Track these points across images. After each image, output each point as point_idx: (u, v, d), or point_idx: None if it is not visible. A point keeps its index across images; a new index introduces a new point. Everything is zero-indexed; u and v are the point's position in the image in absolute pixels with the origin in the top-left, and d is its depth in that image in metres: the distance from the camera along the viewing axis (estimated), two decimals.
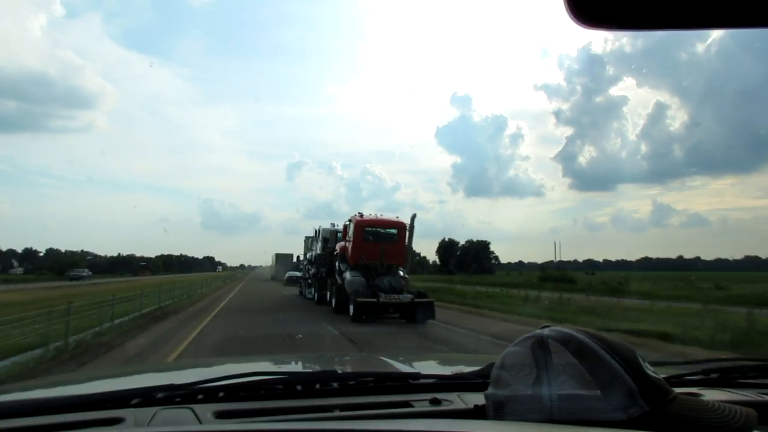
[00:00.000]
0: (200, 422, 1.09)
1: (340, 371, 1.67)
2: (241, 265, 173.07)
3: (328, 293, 20.54)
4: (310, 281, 25.81)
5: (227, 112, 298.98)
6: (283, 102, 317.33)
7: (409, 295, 16.01)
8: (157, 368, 3.02)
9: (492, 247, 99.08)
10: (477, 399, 1.17)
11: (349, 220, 18.79)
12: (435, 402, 1.25)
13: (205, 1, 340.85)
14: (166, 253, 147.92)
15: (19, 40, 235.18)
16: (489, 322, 16.49)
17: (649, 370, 0.94)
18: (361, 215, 18.46)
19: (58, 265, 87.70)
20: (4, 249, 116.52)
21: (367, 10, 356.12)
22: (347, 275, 17.54)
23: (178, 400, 1.21)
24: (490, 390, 1.02)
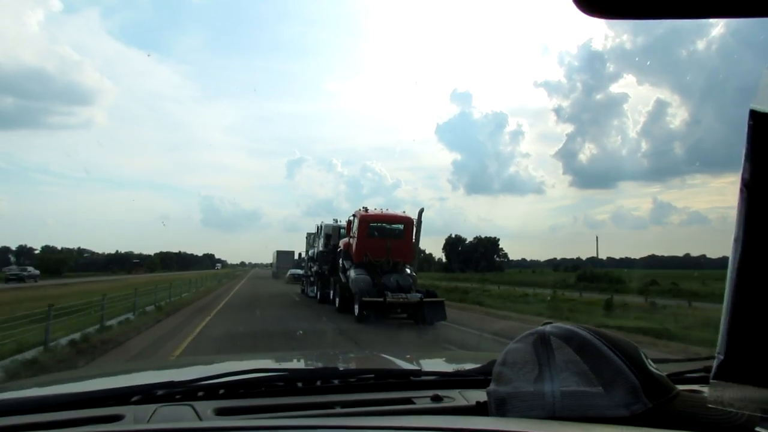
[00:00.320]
0: (200, 419, 1.09)
1: (341, 368, 1.61)
2: (242, 263, 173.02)
3: (331, 292, 19.68)
4: (312, 279, 25.04)
5: (227, 109, 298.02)
6: (284, 98, 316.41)
7: (418, 295, 15.06)
8: (158, 366, 2.97)
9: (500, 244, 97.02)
10: (479, 396, 1.15)
11: (353, 215, 17.81)
12: (436, 399, 1.24)
13: None
14: (165, 250, 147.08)
15: (16, 35, 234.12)
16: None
17: (652, 366, 0.94)
18: (366, 210, 17.50)
19: (49, 263, 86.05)
20: None
21: (368, 6, 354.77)
22: (351, 273, 16.61)
23: (178, 397, 1.20)
24: (492, 387, 1.02)
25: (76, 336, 10.75)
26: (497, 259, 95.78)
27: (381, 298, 14.65)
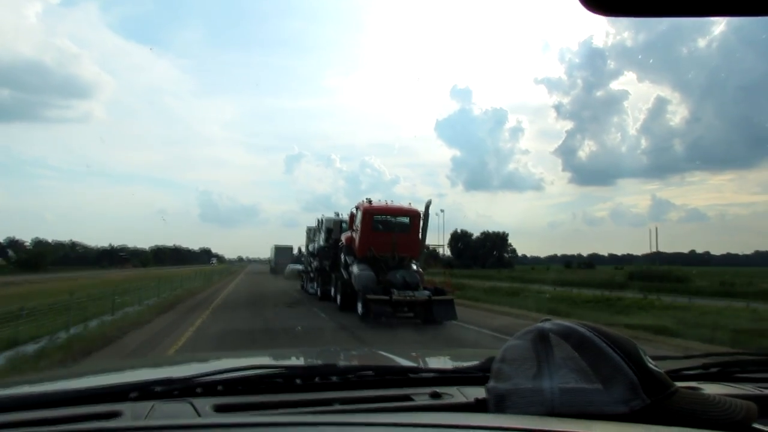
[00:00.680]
0: (199, 415, 1.08)
1: (339, 365, 1.53)
2: (239, 258, 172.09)
3: (333, 288, 18.69)
4: (312, 275, 24.10)
5: (226, 104, 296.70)
6: (283, 94, 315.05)
7: (426, 292, 14.08)
8: (156, 362, 2.98)
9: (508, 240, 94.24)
10: (478, 393, 1.15)
11: (356, 207, 16.76)
12: (435, 396, 1.22)
13: None
14: (162, 245, 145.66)
15: (14, 27, 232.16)
16: None
17: (651, 363, 0.94)
18: (370, 202, 16.46)
19: (30, 256, 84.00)
20: None
21: (368, 2, 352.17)
22: (354, 269, 15.63)
23: (176, 393, 1.20)
24: (491, 383, 1.02)
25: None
26: (506, 255, 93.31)
27: (386, 295, 13.67)
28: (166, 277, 29.23)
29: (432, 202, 16.05)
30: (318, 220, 23.53)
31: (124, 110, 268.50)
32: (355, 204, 16.99)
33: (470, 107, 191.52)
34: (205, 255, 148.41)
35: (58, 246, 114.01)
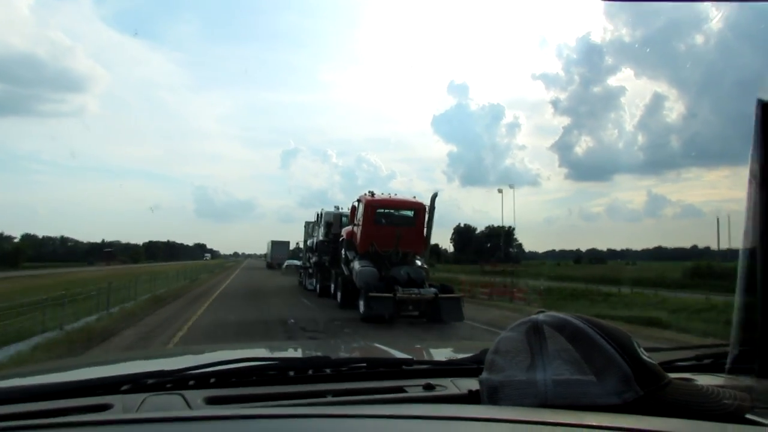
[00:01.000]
0: (190, 408, 1.07)
1: (332, 357, 1.49)
2: (235, 253, 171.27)
3: (333, 285, 17.93)
4: (311, 271, 23.31)
5: (221, 98, 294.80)
6: (279, 88, 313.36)
7: (433, 290, 13.29)
8: (149, 355, 2.92)
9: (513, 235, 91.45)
10: (471, 384, 1.16)
11: (358, 200, 15.94)
12: (428, 387, 1.23)
13: None
14: (155, 240, 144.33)
15: (6, 19, 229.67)
16: None
17: (644, 355, 0.94)
18: (372, 194, 15.66)
19: (15, 252, 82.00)
20: None
21: None
22: (356, 265, 14.86)
23: (168, 386, 1.19)
24: (484, 375, 1.02)
25: None
26: (512, 250, 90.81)
27: (390, 293, 12.88)
28: (148, 274, 25.69)
29: (438, 194, 15.23)
30: (317, 214, 22.77)
31: (118, 104, 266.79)
32: (357, 197, 16.18)
33: (467, 102, 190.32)
34: (200, 250, 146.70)
35: (47, 241, 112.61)
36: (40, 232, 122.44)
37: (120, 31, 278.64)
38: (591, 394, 0.88)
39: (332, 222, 19.67)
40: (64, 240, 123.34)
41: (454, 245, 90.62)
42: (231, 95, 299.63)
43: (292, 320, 12.04)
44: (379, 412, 0.89)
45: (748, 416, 0.89)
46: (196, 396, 1.11)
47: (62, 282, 22.06)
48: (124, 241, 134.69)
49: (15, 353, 8.83)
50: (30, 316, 11.62)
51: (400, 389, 1.22)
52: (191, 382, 1.20)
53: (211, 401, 1.10)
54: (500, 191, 39.59)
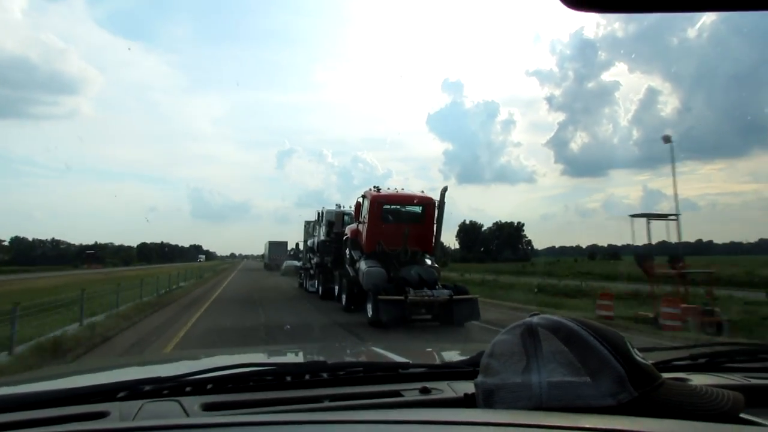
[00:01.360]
0: (187, 415, 1.07)
1: (329, 362, 1.58)
2: (232, 254, 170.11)
3: (337, 287, 16.97)
4: (312, 272, 22.36)
5: (216, 100, 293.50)
6: (273, 89, 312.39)
7: (446, 291, 12.32)
8: (146, 361, 2.82)
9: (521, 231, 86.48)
10: (467, 387, 1.16)
11: (363, 196, 14.93)
12: (425, 391, 1.23)
13: None
14: (151, 241, 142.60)
15: None
16: None
17: (638, 356, 0.94)
18: (378, 189, 14.68)
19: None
20: None
21: None
22: (362, 265, 13.89)
23: (165, 392, 1.18)
24: (479, 378, 1.02)
25: None
26: (521, 247, 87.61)
27: (401, 295, 11.93)
28: (122, 280, 20.48)
29: (447, 188, 14.27)
30: (318, 213, 21.80)
31: (112, 106, 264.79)
32: (362, 192, 15.19)
33: (462, 100, 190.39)
34: (195, 252, 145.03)
35: (37, 243, 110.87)
36: (35, 235, 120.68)
37: (113, 33, 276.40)
38: (586, 395, 0.88)
39: (334, 220, 18.80)
40: (56, 243, 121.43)
41: (460, 243, 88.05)
42: (225, 97, 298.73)
43: (288, 326, 11.40)
44: (375, 417, 0.89)
45: (743, 416, 0.88)
46: (193, 402, 1.11)
47: (24, 291, 18.14)
48: (117, 243, 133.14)
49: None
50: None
51: (397, 393, 1.23)
52: (188, 389, 1.20)
53: (208, 408, 1.10)
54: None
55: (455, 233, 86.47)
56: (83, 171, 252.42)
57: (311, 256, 22.78)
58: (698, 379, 1.21)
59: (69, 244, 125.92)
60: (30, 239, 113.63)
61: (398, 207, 14.53)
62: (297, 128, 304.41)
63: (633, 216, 13.39)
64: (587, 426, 0.76)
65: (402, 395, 1.21)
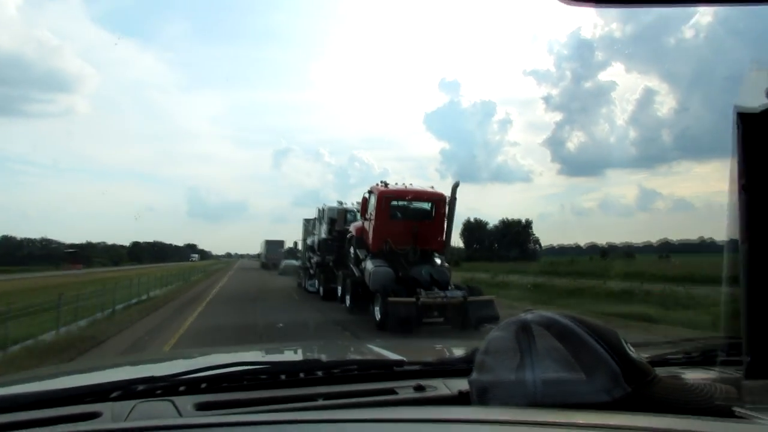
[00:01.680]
0: (180, 415, 1.06)
1: (324, 360, 1.59)
2: (228, 254, 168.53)
3: (340, 287, 16.17)
4: (312, 271, 21.58)
5: (212, 98, 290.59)
6: (270, 87, 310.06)
7: (460, 292, 11.58)
8: (140, 360, 2.78)
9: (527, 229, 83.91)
10: (461, 385, 1.15)
11: (369, 192, 14.06)
12: (419, 389, 1.23)
13: None
14: (143, 240, 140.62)
15: None
16: None
17: (632, 352, 0.95)
18: (386, 185, 13.87)
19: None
20: None
21: None
22: (368, 265, 13.12)
23: (158, 392, 1.17)
24: (474, 375, 1.02)
25: None
26: (530, 245, 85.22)
27: (412, 297, 11.16)
28: (93, 284, 17.96)
29: (459, 183, 13.50)
30: (319, 210, 21.01)
31: (108, 104, 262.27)
32: (369, 188, 14.31)
33: (459, 99, 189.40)
34: (189, 251, 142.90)
35: (26, 243, 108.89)
36: (29, 234, 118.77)
37: (110, 31, 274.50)
38: (580, 392, 0.88)
39: (336, 218, 18.02)
40: (46, 242, 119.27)
41: (464, 242, 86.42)
42: (222, 95, 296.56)
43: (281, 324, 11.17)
44: (369, 416, 0.89)
45: (736, 411, 0.87)
46: (187, 402, 1.11)
47: None
48: (110, 242, 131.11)
49: None
50: None
51: (391, 391, 1.24)
52: (182, 388, 1.18)
53: (202, 407, 1.10)
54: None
55: (460, 231, 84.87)
56: (79, 169, 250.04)
57: (311, 255, 22.03)
58: (693, 374, 1.24)
59: (59, 243, 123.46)
60: (18, 238, 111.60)
61: (407, 203, 13.75)
62: (293, 127, 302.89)
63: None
64: (582, 422, 0.76)
65: (396, 393, 1.23)
